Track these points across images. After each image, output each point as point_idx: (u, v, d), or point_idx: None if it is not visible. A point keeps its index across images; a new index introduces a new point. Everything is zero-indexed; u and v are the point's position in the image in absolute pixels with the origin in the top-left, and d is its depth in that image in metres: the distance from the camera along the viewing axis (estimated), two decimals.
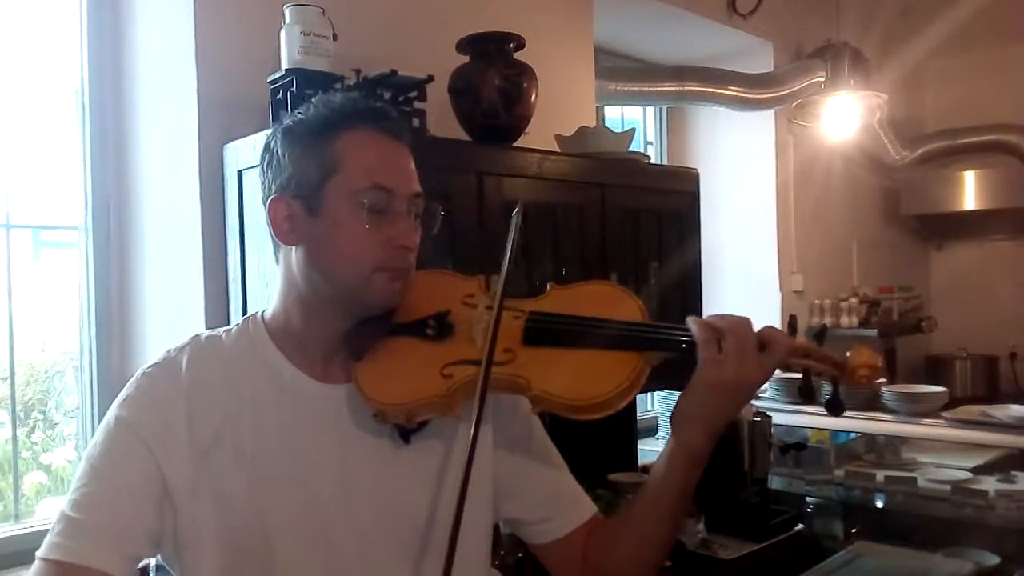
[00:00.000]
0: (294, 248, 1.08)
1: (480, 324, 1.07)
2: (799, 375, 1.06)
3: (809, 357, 1.03)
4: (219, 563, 1.02)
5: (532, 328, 1.07)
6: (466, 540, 1.12)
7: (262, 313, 1.15)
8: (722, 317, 1.03)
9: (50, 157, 2.12)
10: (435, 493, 1.10)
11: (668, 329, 1.06)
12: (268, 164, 1.09)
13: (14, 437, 2.03)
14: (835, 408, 1.06)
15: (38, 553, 0.98)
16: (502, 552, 1.97)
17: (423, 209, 1.10)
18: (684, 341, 1.03)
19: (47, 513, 2.02)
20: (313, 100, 1.10)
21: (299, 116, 1.09)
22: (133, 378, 1.08)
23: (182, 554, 1.03)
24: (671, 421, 1.07)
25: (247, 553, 1.02)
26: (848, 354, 1.03)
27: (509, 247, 1.04)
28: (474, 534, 1.14)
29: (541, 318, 1.08)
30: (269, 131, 1.12)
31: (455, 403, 1.01)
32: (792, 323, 1.06)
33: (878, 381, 1.03)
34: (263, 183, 1.10)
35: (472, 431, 0.95)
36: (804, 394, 1.04)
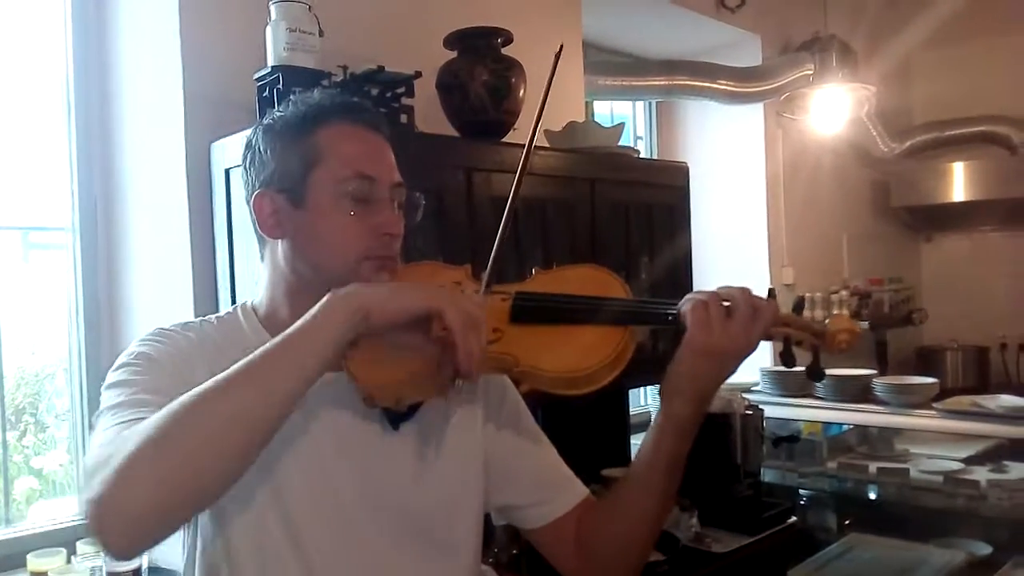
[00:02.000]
0: (280, 242, 1.09)
1: None
2: (782, 357, 1.10)
3: (790, 326, 1.06)
4: (241, 523, 1.04)
5: (519, 307, 1.09)
6: (456, 528, 1.14)
7: (251, 303, 1.16)
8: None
9: (37, 158, 2.10)
10: (424, 479, 1.11)
11: (651, 303, 1.11)
12: (251, 162, 1.11)
13: (3, 441, 2.01)
14: (816, 375, 1.10)
15: (99, 425, 0.91)
16: (496, 549, 1.96)
17: (405, 199, 1.12)
18: (667, 314, 1.07)
19: (38, 518, 2.00)
20: (291, 98, 1.13)
21: (279, 114, 1.11)
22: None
23: None
24: (660, 393, 1.10)
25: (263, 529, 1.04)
26: (827, 321, 1.06)
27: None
28: (464, 521, 1.15)
29: (527, 297, 1.11)
30: (249, 131, 1.14)
31: (444, 385, 1.01)
32: (771, 294, 1.08)
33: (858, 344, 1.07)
34: (246, 181, 1.12)
35: None
36: (786, 361, 1.08)
